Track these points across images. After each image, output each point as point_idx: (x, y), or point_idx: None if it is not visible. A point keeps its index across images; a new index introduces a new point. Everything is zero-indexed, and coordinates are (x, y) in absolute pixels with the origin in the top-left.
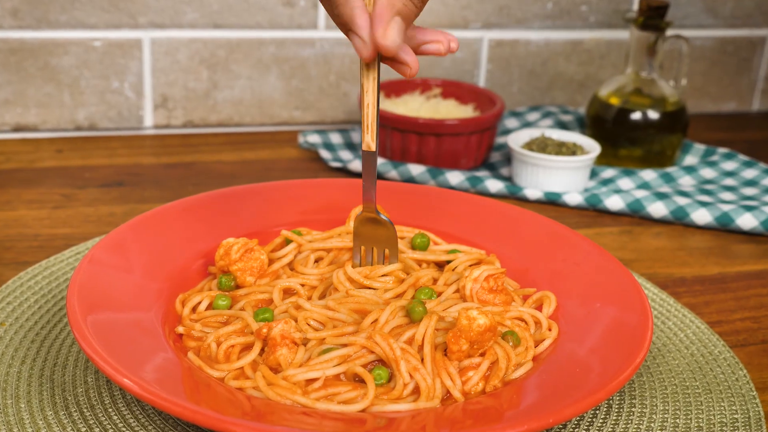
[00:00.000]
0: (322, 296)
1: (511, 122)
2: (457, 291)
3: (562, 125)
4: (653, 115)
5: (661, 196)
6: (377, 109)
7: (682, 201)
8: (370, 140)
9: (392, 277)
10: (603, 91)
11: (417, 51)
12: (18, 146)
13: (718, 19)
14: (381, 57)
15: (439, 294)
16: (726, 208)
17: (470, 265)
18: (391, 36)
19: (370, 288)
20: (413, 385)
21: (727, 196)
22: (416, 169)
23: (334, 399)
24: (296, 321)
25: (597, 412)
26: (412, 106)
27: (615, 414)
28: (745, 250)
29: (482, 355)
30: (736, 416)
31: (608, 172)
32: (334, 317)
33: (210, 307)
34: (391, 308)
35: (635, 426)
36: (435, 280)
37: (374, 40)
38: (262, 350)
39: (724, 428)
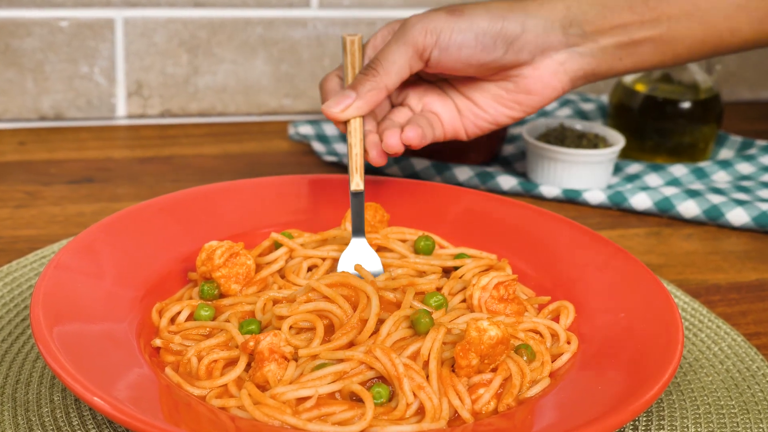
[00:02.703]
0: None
1: None
2: (464, 301)
3: (583, 115)
4: (684, 103)
5: (693, 193)
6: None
7: (716, 199)
8: (359, 179)
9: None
10: (628, 77)
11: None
12: None
13: None
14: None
15: None
16: (765, 207)
17: (479, 272)
18: (335, 111)
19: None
20: (417, 404)
21: (767, 193)
22: (420, 164)
23: (328, 420)
24: (281, 330)
25: None
26: None
27: None
28: None
29: (494, 370)
30: None
31: (634, 167)
32: (321, 308)
33: (190, 317)
34: (394, 318)
35: None
36: (439, 289)
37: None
38: (248, 366)
39: None
